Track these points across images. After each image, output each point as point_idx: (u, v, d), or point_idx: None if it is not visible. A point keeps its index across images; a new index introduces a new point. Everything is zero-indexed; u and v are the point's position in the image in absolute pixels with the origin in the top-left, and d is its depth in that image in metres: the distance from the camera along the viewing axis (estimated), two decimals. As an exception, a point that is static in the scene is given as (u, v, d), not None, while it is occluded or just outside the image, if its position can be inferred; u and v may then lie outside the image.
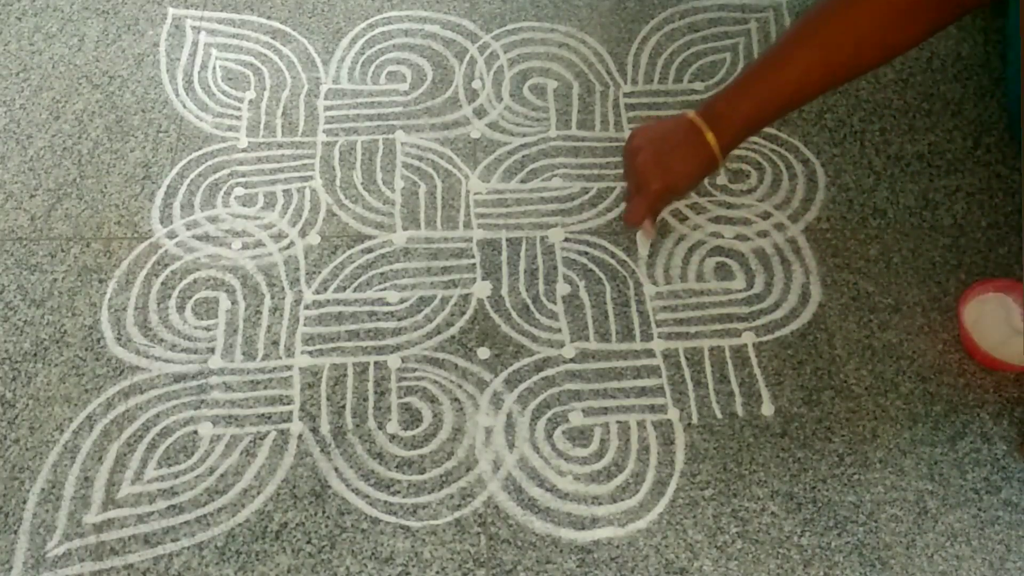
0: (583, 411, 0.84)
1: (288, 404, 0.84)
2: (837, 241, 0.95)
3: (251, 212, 0.97)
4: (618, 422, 0.83)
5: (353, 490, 0.79)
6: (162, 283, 0.91)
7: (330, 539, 0.77)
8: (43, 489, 0.79)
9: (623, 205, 0.97)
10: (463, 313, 0.90)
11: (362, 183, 0.99)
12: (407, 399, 0.84)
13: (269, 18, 1.13)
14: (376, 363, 0.86)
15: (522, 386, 0.85)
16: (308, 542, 0.77)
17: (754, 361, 0.87)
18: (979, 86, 1.07)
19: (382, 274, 0.92)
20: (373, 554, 0.76)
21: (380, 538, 0.77)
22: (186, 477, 0.80)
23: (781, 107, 0.74)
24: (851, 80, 0.74)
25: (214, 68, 1.08)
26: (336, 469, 0.80)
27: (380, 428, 0.83)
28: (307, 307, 0.90)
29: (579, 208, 0.97)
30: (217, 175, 0.99)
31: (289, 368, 0.86)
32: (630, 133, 0.84)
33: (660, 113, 1.05)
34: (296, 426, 0.83)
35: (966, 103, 1.05)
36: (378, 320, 0.89)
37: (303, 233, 0.95)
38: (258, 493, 0.79)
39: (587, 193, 0.98)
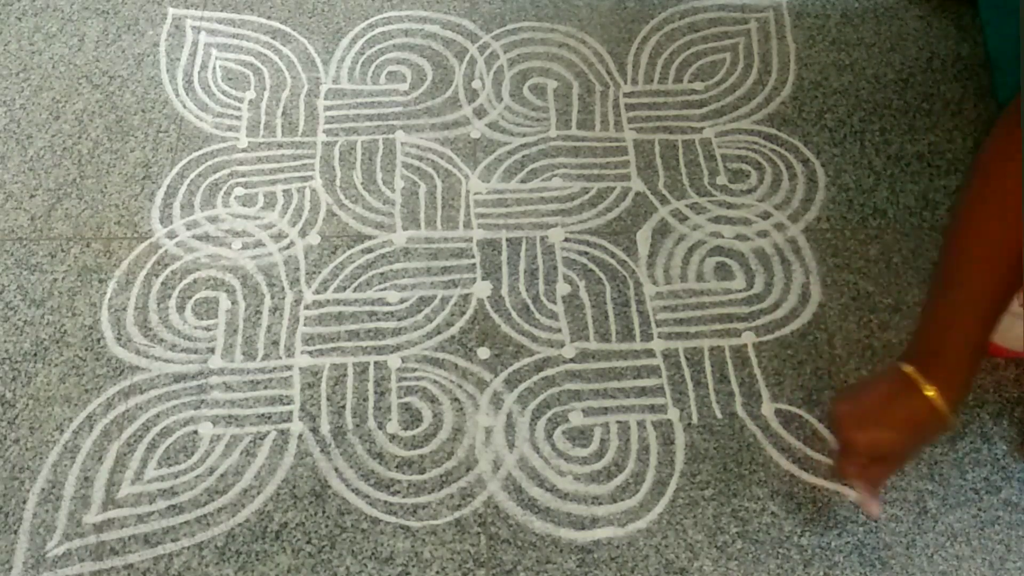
0: (583, 411, 0.84)
1: (288, 404, 0.84)
2: (837, 241, 0.95)
3: (251, 212, 0.97)
4: (618, 422, 0.83)
5: (353, 490, 0.79)
6: (162, 283, 0.91)
7: (330, 539, 0.77)
8: (43, 489, 0.79)
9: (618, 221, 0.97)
10: (463, 313, 0.90)
11: (362, 183, 0.99)
12: (407, 399, 0.84)
13: (269, 18, 1.13)
14: (376, 363, 0.87)
15: (522, 386, 0.85)
16: (308, 542, 0.77)
17: (754, 361, 0.87)
18: (979, 86, 1.07)
19: (382, 274, 0.92)
20: (373, 554, 0.76)
21: (380, 538, 0.77)
22: (186, 477, 0.80)
23: (983, 336, 0.65)
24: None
25: (214, 68, 1.08)
26: (336, 469, 0.80)
27: (380, 428, 0.83)
28: (307, 307, 0.90)
29: (579, 208, 0.97)
30: (217, 175, 0.99)
31: (289, 368, 0.86)
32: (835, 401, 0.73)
33: (660, 113, 1.05)
34: (296, 426, 0.83)
35: (966, 103, 1.05)
36: (378, 320, 0.89)
37: (303, 233, 0.95)
38: (258, 493, 0.79)
39: (587, 193, 0.98)
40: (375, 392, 0.85)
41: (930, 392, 0.65)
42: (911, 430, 0.67)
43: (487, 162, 1.00)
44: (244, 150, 1.01)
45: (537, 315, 0.90)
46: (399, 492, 0.79)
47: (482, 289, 0.91)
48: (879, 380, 0.69)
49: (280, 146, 1.02)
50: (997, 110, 1.04)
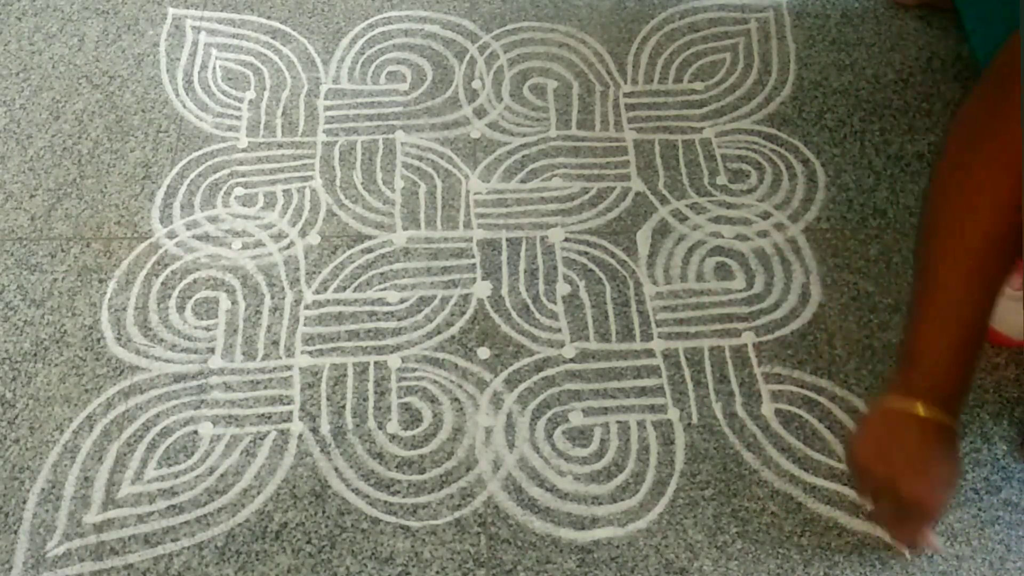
0: (583, 411, 0.84)
1: (288, 404, 0.84)
2: (837, 241, 0.95)
3: (251, 212, 0.97)
4: (618, 422, 0.83)
5: (353, 490, 0.79)
6: (162, 283, 0.91)
7: (330, 539, 0.77)
8: (43, 489, 0.79)
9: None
10: (463, 313, 0.90)
11: (362, 183, 0.99)
12: (407, 399, 0.84)
13: (269, 18, 1.13)
14: (376, 363, 0.87)
15: (522, 386, 0.85)
16: (308, 542, 0.77)
17: (754, 361, 0.87)
18: (979, 86, 1.07)
19: (382, 274, 0.92)
20: (373, 554, 0.76)
21: (380, 538, 0.77)
22: (186, 477, 0.80)
23: (969, 335, 0.65)
24: (1009, 269, 0.65)
25: (214, 68, 1.08)
26: (336, 469, 0.80)
27: (380, 428, 0.83)
28: (307, 307, 0.90)
29: (579, 208, 0.97)
30: (217, 175, 0.99)
31: (289, 368, 0.86)
32: (851, 450, 0.71)
33: (660, 113, 1.05)
34: (296, 426, 0.83)
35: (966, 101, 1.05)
36: (378, 320, 0.89)
37: (303, 233, 0.95)
38: (258, 493, 0.79)
39: (587, 193, 0.98)
40: (375, 392, 0.85)
41: (921, 411, 0.64)
42: (921, 448, 0.66)
43: (487, 162, 1.00)
44: (244, 150, 1.01)
45: (537, 315, 0.90)
46: (399, 492, 0.79)
47: (482, 289, 0.91)
48: (872, 418, 0.69)
49: (280, 146, 1.02)
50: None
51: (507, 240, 0.95)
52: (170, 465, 0.80)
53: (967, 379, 0.67)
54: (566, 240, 0.95)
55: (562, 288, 0.91)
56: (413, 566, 0.76)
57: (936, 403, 0.65)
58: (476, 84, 1.07)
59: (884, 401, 0.68)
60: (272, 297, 0.91)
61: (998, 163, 0.61)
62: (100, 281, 0.91)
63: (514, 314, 0.90)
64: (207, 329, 0.88)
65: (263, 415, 0.83)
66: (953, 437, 0.66)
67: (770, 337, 0.88)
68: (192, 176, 0.99)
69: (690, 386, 0.85)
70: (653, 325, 0.89)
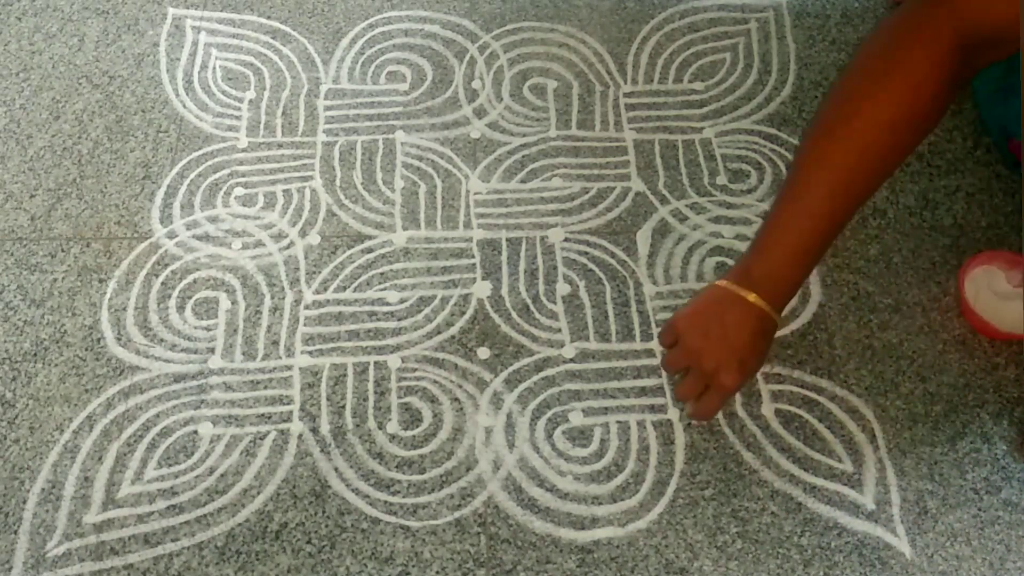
0: (583, 411, 0.84)
1: (288, 404, 0.84)
2: (837, 241, 0.95)
3: (251, 212, 0.97)
4: (618, 422, 0.83)
5: (353, 490, 0.79)
6: (162, 283, 0.91)
7: (330, 539, 0.77)
8: (43, 489, 0.79)
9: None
10: (463, 313, 0.90)
11: (362, 183, 0.99)
12: (407, 399, 0.84)
13: (269, 18, 1.13)
14: (376, 363, 0.87)
15: (522, 386, 0.85)
16: (308, 542, 0.77)
17: (754, 361, 0.87)
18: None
19: (382, 274, 0.92)
20: (373, 554, 0.76)
21: (380, 538, 0.77)
22: (186, 477, 0.80)
23: (817, 243, 0.71)
24: (876, 188, 0.71)
25: (214, 68, 1.08)
26: (336, 469, 0.80)
27: (380, 428, 0.83)
28: (307, 307, 0.90)
29: (579, 208, 0.97)
30: (217, 175, 0.99)
31: (289, 368, 0.86)
32: (674, 317, 0.78)
33: (660, 113, 1.05)
34: (296, 426, 0.83)
35: (966, 103, 1.05)
36: (378, 320, 0.89)
37: (303, 233, 0.95)
38: (258, 493, 0.79)
39: (587, 193, 0.98)
40: (375, 392, 0.85)
41: (752, 298, 0.72)
42: (757, 340, 0.73)
43: (487, 162, 1.00)
44: (244, 150, 1.01)
45: (537, 315, 0.90)
46: (399, 492, 0.79)
47: (482, 289, 0.91)
48: (703, 294, 0.76)
49: (280, 146, 1.02)
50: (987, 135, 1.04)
51: (507, 240, 0.95)
52: (170, 465, 0.80)
53: (800, 283, 0.74)
54: (566, 240, 0.95)
55: (562, 288, 0.91)
56: (413, 566, 0.76)
57: (766, 297, 0.72)
58: (476, 84, 1.07)
59: (719, 282, 0.75)
60: (272, 297, 0.91)
61: (886, 83, 0.66)
62: (100, 281, 0.91)
63: (514, 314, 0.90)
64: (207, 329, 0.88)
65: (263, 415, 0.83)
66: (772, 329, 0.75)
67: (770, 337, 0.88)
68: (192, 176, 0.99)
69: (690, 386, 0.85)
70: (653, 325, 0.89)
